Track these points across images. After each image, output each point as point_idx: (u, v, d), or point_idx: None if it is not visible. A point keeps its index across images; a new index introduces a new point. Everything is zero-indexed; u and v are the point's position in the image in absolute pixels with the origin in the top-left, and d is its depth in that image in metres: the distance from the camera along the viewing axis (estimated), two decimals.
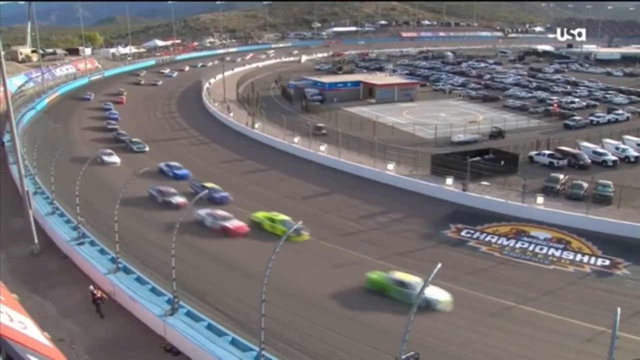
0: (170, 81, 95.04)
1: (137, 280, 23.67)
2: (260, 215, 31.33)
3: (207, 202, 32.94)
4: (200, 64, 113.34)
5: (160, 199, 34.87)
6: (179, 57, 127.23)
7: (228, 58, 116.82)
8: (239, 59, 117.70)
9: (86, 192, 30.85)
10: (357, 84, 78.03)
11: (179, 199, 34.40)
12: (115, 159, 44.54)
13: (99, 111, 67.36)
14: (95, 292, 22.66)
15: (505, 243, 29.67)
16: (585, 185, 35.24)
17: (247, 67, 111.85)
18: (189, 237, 27.85)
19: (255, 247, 28.16)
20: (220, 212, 31.59)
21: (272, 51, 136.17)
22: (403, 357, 15.01)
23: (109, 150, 45.76)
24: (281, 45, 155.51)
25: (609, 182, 35.08)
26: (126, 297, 22.53)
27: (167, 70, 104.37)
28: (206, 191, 29.61)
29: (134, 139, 51.05)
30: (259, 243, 28.35)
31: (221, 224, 30.49)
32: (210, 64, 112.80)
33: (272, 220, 30.40)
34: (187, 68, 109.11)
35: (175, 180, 39.70)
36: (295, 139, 50.24)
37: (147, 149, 49.29)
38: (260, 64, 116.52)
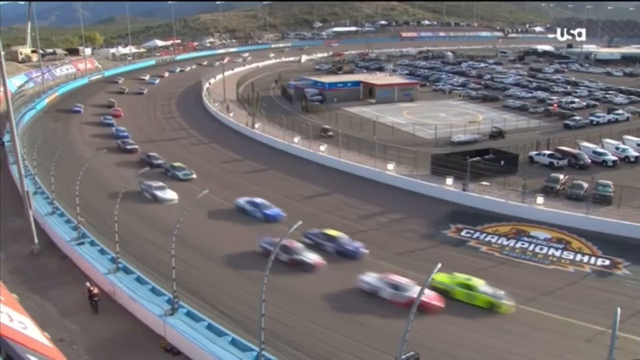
0: (154, 89, 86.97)
1: (137, 280, 23.67)
2: (445, 279, 23.48)
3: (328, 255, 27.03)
4: (178, 69, 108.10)
5: (285, 257, 25.58)
6: (179, 57, 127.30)
7: (205, 62, 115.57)
8: (217, 63, 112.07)
9: (86, 192, 30.87)
10: (357, 84, 78.02)
11: (313, 257, 26.16)
12: (172, 194, 35.69)
13: (100, 127, 59.09)
14: (91, 288, 22.95)
15: (505, 243, 29.67)
16: (585, 185, 35.23)
17: (247, 67, 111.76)
18: (355, 314, 22.26)
19: (452, 325, 21.57)
20: (397, 277, 23.56)
21: (247, 54, 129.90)
22: (403, 357, 15.01)
23: (160, 183, 36.69)
24: (281, 44, 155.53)
25: (609, 182, 35.06)
26: (126, 297, 22.53)
27: (147, 77, 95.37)
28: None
29: (176, 164, 42.19)
30: (456, 319, 21.92)
31: (408, 295, 22.07)
32: (188, 68, 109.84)
33: (468, 287, 23.17)
34: (166, 74, 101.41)
35: (266, 222, 31.88)
36: (296, 139, 50.24)
37: (194, 175, 41.20)
38: (260, 64, 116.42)
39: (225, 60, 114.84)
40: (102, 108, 69.04)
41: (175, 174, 40.84)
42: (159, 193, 35.23)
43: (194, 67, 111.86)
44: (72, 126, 60.65)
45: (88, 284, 23.29)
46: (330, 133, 52.46)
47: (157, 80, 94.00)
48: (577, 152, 44.16)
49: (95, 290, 22.90)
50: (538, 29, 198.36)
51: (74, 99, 74.36)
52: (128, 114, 66.94)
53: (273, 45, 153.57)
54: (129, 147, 48.77)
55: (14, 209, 32.22)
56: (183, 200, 34.26)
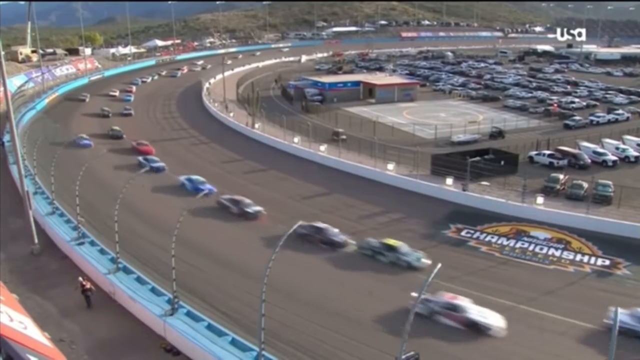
0: (135, 106, 70.85)
1: (137, 280, 23.66)
2: None
3: None
4: (140, 80, 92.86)
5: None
6: (179, 57, 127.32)
7: (164, 72, 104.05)
8: (179, 74, 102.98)
9: (86, 192, 30.85)
10: (357, 84, 78.12)
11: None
12: (497, 317, 21.32)
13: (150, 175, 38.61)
14: (84, 283, 23.21)
15: (505, 243, 29.66)
16: (585, 185, 35.24)
17: (247, 67, 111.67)
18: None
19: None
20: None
21: (202, 61, 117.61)
22: (403, 357, 15.00)
23: (470, 304, 21.77)
24: (281, 44, 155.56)
25: (609, 182, 35.08)
26: (126, 297, 22.52)
27: (117, 92, 79.64)
28: None
29: (392, 242, 26.98)
30: None
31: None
32: (149, 79, 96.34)
33: None
34: (134, 88, 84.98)
35: None
36: (296, 139, 50.20)
37: (426, 260, 26.19)
38: (260, 64, 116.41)
39: (185, 69, 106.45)
40: (109, 140, 52.60)
41: (406, 261, 25.78)
42: (482, 320, 21.13)
43: (156, 77, 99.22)
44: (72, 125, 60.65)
45: (80, 278, 23.62)
46: (344, 137, 49.51)
47: (132, 97, 77.81)
48: (577, 152, 44.17)
49: (88, 285, 23.21)
50: (538, 29, 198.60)
51: (61, 125, 55.64)
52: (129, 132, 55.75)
53: (273, 46, 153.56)
54: (250, 209, 33.02)
55: (14, 209, 32.19)
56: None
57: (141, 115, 68.08)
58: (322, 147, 46.56)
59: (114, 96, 78.23)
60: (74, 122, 62.85)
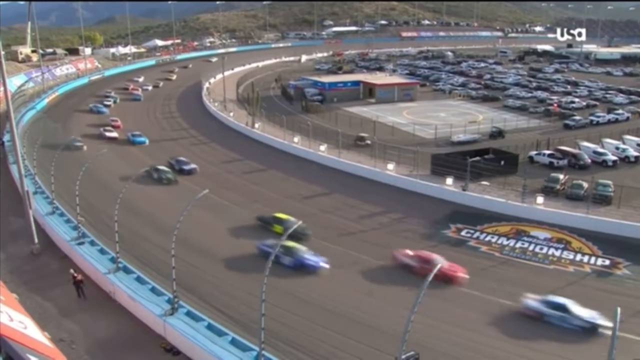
0: (160, 149, 51.05)
1: (137, 280, 23.67)
2: None
3: None
4: (104, 106, 70.13)
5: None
6: (179, 57, 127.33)
7: (112, 92, 79.29)
8: (140, 96, 79.69)
9: (86, 192, 30.85)
10: (357, 84, 78.11)
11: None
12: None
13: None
14: (75, 274, 23.60)
15: (505, 243, 29.66)
16: (585, 185, 35.24)
17: (247, 66, 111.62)
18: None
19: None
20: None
21: (142, 77, 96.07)
22: (403, 357, 15.00)
23: None
24: (281, 44, 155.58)
25: (609, 182, 35.07)
26: (126, 297, 22.52)
27: (115, 133, 55.06)
28: None
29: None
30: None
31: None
32: (112, 101, 73.83)
33: None
34: (119, 122, 59.88)
35: None
36: (295, 139, 50.18)
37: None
38: (260, 64, 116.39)
39: (131, 87, 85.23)
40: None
41: None
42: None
43: (117, 100, 75.92)
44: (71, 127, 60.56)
45: (72, 270, 23.93)
46: (368, 142, 47.81)
47: (145, 139, 53.24)
48: (577, 152, 44.17)
49: (79, 277, 23.59)
50: (538, 29, 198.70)
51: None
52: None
53: (273, 45, 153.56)
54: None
55: (14, 209, 32.22)
56: None
57: (207, 172, 43.44)
58: (322, 147, 46.54)
59: (115, 138, 54.15)
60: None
